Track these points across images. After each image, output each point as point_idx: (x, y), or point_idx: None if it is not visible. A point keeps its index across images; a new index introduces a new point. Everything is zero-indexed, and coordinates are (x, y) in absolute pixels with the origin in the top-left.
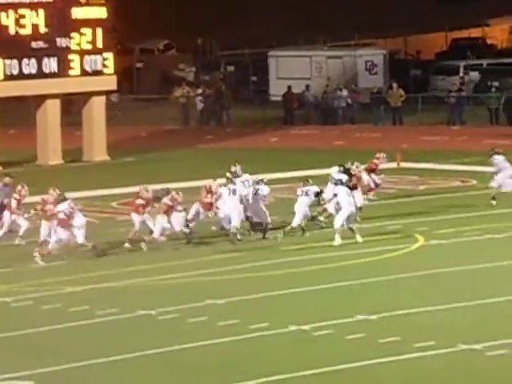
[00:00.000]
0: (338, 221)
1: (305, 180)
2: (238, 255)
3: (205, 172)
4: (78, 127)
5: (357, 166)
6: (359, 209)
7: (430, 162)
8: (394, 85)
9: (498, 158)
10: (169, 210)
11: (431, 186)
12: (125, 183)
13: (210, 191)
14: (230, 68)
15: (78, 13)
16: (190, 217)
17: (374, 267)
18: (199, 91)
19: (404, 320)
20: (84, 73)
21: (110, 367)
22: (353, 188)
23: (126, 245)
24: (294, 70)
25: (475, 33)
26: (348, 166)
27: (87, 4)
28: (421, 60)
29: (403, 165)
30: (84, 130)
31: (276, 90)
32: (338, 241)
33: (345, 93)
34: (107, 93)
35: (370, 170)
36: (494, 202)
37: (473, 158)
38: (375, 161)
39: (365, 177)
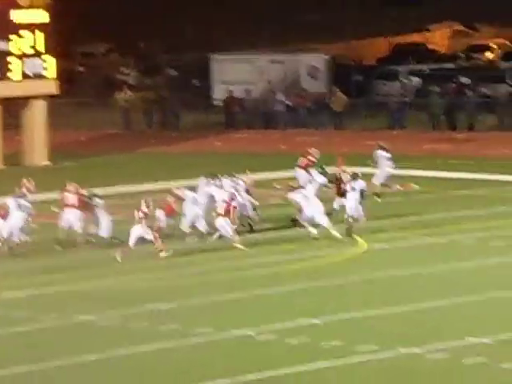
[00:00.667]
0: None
1: (354, 175)
2: (182, 260)
3: (147, 176)
4: (18, 131)
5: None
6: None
7: (370, 167)
8: (337, 90)
9: (382, 154)
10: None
11: (372, 190)
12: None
13: (177, 197)
14: (173, 72)
15: (18, 16)
16: (162, 224)
17: (317, 272)
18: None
19: (347, 324)
20: (24, 76)
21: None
22: (342, 194)
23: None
24: (236, 74)
25: (417, 38)
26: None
27: (28, 7)
28: (363, 65)
29: (344, 169)
30: (24, 134)
31: (219, 94)
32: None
33: (280, 97)
34: (48, 97)
35: (307, 166)
36: (379, 199)
37: (413, 163)
38: (310, 157)
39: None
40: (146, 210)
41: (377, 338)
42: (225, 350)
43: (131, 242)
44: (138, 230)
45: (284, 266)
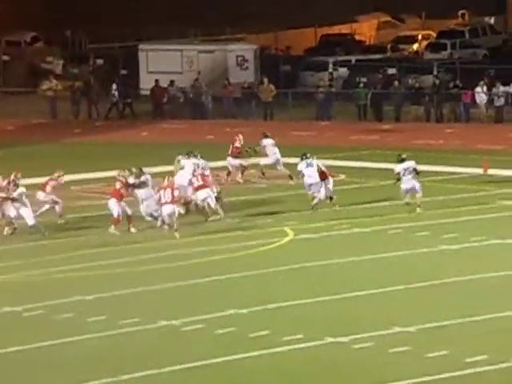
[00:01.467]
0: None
1: (400, 157)
2: (108, 250)
3: (72, 167)
4: None
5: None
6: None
7: (299, 157)
8: (265, 80)
9: (267, 142)
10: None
11: (301, 180)
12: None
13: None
14: (100, 61)
15: None
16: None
17: (243, 261)
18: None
19: (273, 314)
20: None
21: None
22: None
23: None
24: (164, 63)
25: (344, 29)
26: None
27: None
28: (291, 56)
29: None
30: None
31: (146, 84)
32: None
33: (205, 87)
34: None
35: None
36: (292, 182)
37: (340, 153)
38: (236, 144)
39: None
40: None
41: (303, 327)
42: (150, 340)
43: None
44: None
45: (208, 257)
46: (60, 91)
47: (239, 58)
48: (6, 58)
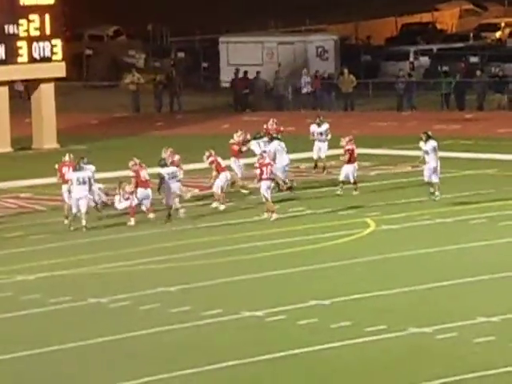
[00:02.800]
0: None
1: (426, 135)
2: (190, 242)
3: (154, 159)
4: (27, 114)
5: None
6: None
7: (380, 148)
8: (345, 70)
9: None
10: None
11: (382, 171)
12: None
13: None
14: (181, 54)
15: None
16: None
17: (326, 253)
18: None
19: (356, 304)
20: (32, 60)
21: (62, 355)
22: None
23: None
24: (245, 56)
25: (425, 18)
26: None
27: None
28: (371, 45)
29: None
30: (33, 118)
31: (227, 77)
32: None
33: (307, 79)
34: (56, 80)
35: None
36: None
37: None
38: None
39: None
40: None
41: (386, 317)
42: (234, 331)
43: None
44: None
45: (291, 248)
46: (142, 85)
47: (319, 49)
48: (88, 52)
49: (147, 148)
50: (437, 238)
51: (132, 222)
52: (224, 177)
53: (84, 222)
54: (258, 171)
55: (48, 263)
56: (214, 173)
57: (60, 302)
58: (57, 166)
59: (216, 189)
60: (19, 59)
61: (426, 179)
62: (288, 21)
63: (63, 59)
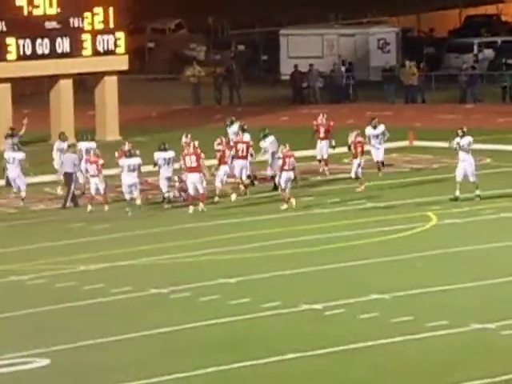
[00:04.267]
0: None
1: (462, 131)
2: (252, 234)
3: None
4: (91, 107)
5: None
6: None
7: (443, 141)
8: (407, 62)
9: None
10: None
11: (444, 164)
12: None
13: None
14: (241, 47)
15: None
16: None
17: (387, 246)
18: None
19: (417, 299)
20: (96, 53)
21: (123, 345)
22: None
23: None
24: (305, 48)
25: (490, 10)
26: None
27: None
28: (434, 37)
29: (416, 143)
30: (96, 110)
31: (287, 69)
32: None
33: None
34: (119, 73)
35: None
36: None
37: (486, 136)
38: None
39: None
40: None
41: (448, 313)
42: (293, 324)
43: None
44: None
45: (353, 241)
46: (202, 77)
47: (381, 41)
48: (150, 45)
49: (207, 140)
50: (500, 233)
51: (191, 210)
52: (223, 170)
53: (139, 204)
54: (280, 161)
55: (110, 253)
56: (216, 163)
57: (121, 293)
58: (116, 154)
59: (218, 183)
60: (83, 52)
61: (459, 178)
62: (349, 13)
63: (126, 52)
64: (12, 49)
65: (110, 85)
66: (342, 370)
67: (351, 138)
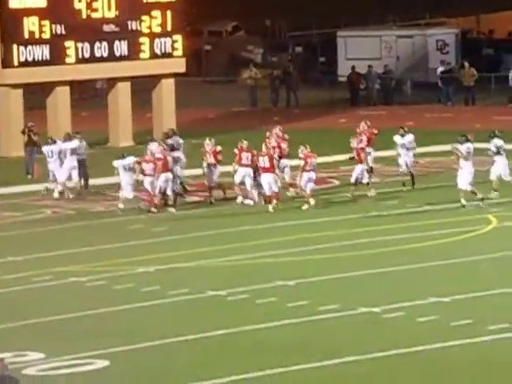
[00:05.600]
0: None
1: (493, 134)
2: (308, 236)
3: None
4: (148, 109)
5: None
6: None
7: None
8: (466, 64)
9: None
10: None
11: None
12: (193, 165)
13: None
14: (298, 49)
15: None
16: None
17: (446, 249)
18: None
19: (477, 302)
20: (154, 55)
21: (181, 347)
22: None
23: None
24: (362, 50)
25: None
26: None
27: None
28: (494, 39)
29: (475, 145)
30: (154, 112)
31: (344, 71)
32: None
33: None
34: (176, 75)
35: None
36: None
37: None
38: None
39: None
40: None
41: (509, 316)
42: (351, 327)
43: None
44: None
45: (411, 244)
46: (259, 79)
47: (439, 43)
48: (207, 47)
49: (262, 142)
50: None
51: (270, 208)
52: (242, 172)
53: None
54: (302, 162)
55: (168, 255)
56: (236, 166)
57: (179, 294)
58: (237, 151)
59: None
60: (141, 55)
61: (464, 187)
62: (407, 14)
63: (183, 55)
64: (71, 52)
65: (167, 87)
66: (400, 373)
67: (353, 143)
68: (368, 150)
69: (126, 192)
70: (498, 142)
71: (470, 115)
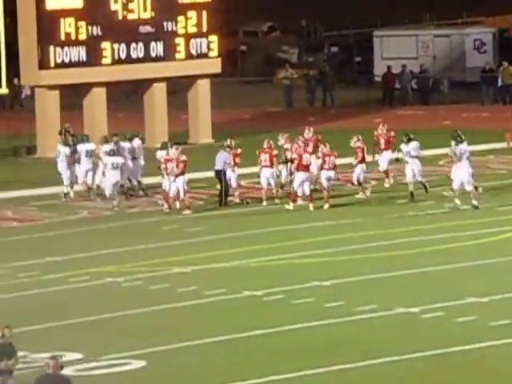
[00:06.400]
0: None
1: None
2: (344, 237)
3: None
4: (184, 110)
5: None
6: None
7: None
8: (505, 63)
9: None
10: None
11: None
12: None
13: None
14: (334, 49)
15: None
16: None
17: (485, 249)
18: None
19: None
20: (189, 56)
21: (218, 347)
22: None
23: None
24: (399, 49)
25: None
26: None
27: None
28: None
29: None
30: (189, 113)
31: (380, 71)
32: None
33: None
34: (212, 76)
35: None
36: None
37: None
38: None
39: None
40: None
41: None
42: (388, 327)
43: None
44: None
45: (451, 244)
46: (295, 80)
47: (477, 42)
48: (243, 47)
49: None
50: None
51: (291, 206)
52: (264, 173)
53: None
54: (320, 161)
55: (203, 256)
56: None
57: (215, 295)
58: (257, 152)
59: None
60: (177, 56)
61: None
62: (444, 13)
63: (219, 55)
64: (107, 53)
65: (203, 88)
66: (439, 373)
67: (351, 142)
68: (386, 152)
69: (108, 190)
70: (463, 146)
71: (509, 115)
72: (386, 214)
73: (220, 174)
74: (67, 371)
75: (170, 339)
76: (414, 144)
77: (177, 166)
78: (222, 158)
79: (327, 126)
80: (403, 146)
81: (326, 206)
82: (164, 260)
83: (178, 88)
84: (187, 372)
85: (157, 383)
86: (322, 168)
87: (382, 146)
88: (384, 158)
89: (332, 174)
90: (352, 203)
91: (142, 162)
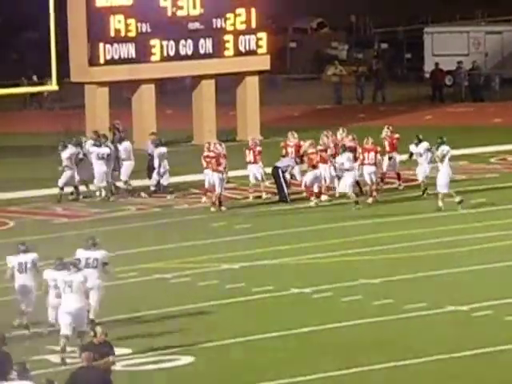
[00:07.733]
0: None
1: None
2: (393, 234)
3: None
4: (232, 107)
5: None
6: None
7: None
8: None
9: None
10: None
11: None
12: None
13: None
14: (384, 45)
15: None
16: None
17: None
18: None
19: None
20: (238, 53)
21: (266, 344)
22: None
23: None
24: (450, 46)
25: None
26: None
27: None
28: None
29: None
30: (238, 110)
31: (431, 67)
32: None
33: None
34: (260, 73)
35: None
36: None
37: None
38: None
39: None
40: None
41: None
42: (438, 325)
43: None
44: None
45: (500, 242)
46: (344, 76)
47: None
48: (292, 44)
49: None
50: None
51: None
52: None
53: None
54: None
55: (252, 252)
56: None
57: (263, 292)
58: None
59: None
60: (226, 53)
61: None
62: (495, 10)
63: (268, 52)
64: (156, 50)
65: (252, 85)
66: (488, 371)
67: (346, 142)
68: (391, 155)
69: (97, 180)
70: (445, 148)
71: None
72: (432, 213)
73: (277, 171)
74: (116, 366)
75: (218, 335)
76: (424, 145)
77: (218, 163)
78: (287, 161)
79: (377, 123)
80: (413, 148)
81: (370, 199)
82: (212, 256)
83: (227, 85)
84: (235, 368)
85: (205, 379)
86: (362, 163)
87: (387, 149)
88: (387, 161)
89: (373, 169)
90: (399, 200)
91: (132, 162)
